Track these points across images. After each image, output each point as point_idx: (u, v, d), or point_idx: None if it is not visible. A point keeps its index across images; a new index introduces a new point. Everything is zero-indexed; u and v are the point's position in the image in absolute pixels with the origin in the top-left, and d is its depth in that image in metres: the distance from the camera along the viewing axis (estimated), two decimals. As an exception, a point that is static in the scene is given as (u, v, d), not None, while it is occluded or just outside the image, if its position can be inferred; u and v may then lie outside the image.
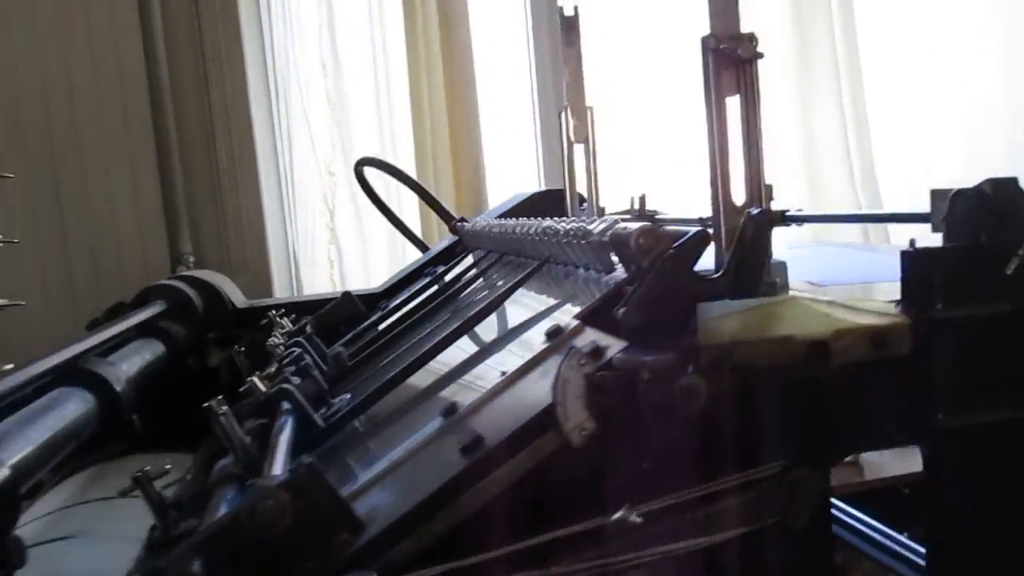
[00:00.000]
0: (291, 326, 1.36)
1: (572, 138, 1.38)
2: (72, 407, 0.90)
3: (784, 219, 0.99)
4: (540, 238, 1.03)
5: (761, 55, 0.88)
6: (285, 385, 0.87)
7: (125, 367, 1.10)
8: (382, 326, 1.25)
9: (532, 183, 2.54)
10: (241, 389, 1.00)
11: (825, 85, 2.66)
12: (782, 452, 0.64)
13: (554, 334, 0.73)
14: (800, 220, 1.00)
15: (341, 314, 1.50)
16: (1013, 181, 0.68)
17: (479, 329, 0.94)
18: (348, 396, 0.93)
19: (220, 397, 0.76)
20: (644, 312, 0.67)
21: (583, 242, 0.90)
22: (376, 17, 2.48)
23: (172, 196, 2.39)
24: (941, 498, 0.70)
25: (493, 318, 0.95)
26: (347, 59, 2.48)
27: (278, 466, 0.70)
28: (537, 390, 0.65)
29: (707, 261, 0.81)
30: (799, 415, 0.65)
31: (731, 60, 0.89)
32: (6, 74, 2.23)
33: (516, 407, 0.66)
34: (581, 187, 1.63)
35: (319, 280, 2.55)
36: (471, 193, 2.52)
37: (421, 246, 1.87)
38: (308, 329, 1.26)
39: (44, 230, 2.27)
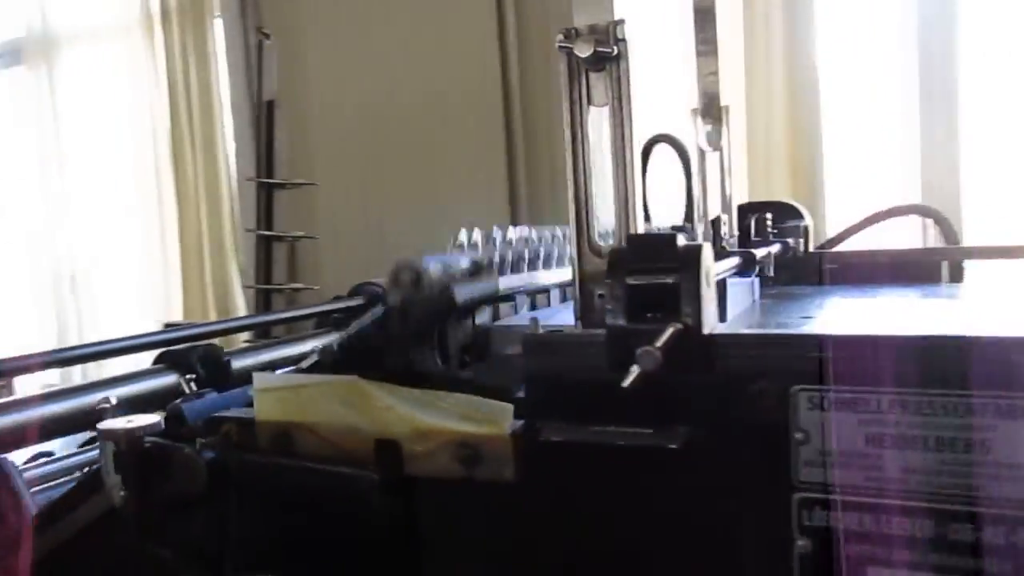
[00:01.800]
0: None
1: (705, 146, 1.15)
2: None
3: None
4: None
5: (613, 54, 0.64)
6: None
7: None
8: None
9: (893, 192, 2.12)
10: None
11: None
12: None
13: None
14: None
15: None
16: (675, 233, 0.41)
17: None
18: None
19: None
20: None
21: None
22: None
23: (515, 187, 2.57)
24: None
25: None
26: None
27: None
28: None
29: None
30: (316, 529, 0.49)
31: (596, 61, 0.67)
32: (394, 86, 2.61)
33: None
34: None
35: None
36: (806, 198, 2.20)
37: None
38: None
39: (411, 222, 2.61)
